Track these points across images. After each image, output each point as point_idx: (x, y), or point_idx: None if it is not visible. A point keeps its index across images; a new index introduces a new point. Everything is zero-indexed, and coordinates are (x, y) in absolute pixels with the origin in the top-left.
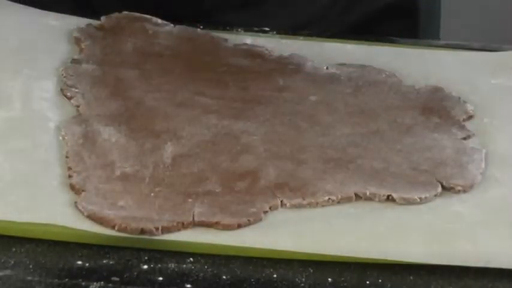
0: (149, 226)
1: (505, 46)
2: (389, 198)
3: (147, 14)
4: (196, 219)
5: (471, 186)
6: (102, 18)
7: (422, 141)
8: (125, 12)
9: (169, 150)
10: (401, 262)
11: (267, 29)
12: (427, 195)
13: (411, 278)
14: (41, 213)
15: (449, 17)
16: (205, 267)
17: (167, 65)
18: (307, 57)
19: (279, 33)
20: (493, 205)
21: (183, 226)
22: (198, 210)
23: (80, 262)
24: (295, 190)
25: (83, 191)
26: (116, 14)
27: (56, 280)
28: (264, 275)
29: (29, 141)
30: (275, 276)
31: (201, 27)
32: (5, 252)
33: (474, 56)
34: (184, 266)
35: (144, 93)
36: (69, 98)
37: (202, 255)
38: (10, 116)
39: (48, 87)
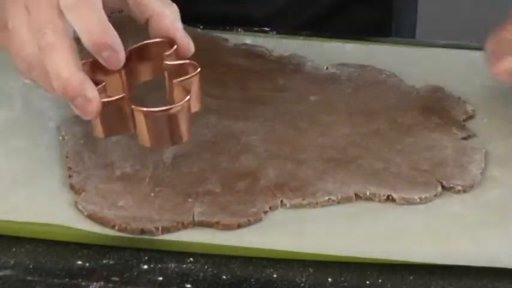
0: (149, 226)
1: None
2: (389, 198)
3: None
4: (196, 219)
5: (471, 186)
6: None
7: (423, 141)
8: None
9: (169, 150)
10: (401, 262)
11: (267, 29)
12: (427, 195)
13: (411, 278)
14: (41, 213)
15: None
16: (205, 267)
17: None
18: (307, 57)
19: (279, 33)
20: (493, 205)
21: (183, 226)
22: (198, 210)
23: (80, 262)
24: (295, 190)
25: (83, 191)
26: (116, 14)
27: (56, 280)
28: (264, 275)
29: (29, 141)
30: (275, 276)
31: (201, 27)
32: (5, 252)
33: (474, 55)
34: (184, 266)
35: (144, 93)
36: None
37: (202, 255)
38: (10, 116)
39: None
